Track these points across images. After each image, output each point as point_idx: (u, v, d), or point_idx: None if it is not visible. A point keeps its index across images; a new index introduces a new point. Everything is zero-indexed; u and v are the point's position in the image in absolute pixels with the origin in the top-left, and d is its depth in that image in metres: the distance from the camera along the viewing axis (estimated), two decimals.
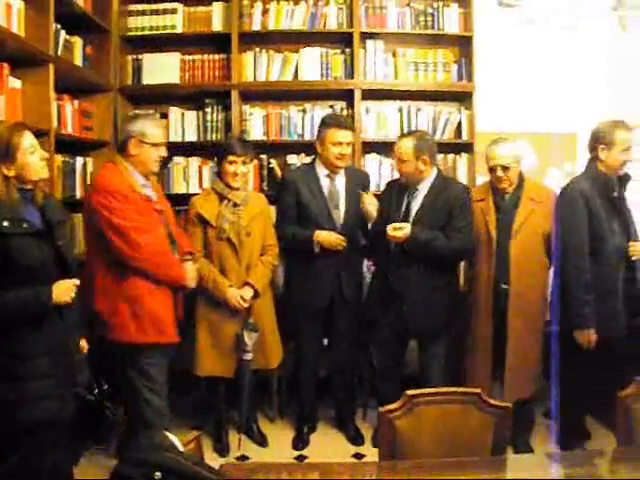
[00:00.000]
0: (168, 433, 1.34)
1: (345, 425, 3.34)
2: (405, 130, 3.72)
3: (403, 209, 2.97)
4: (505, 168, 2.90)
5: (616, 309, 2.82)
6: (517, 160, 2.95)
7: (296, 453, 3.17)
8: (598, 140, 2.82)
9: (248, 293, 2.96)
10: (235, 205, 2.97)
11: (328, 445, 3.25)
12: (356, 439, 3.25)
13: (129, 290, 2.48)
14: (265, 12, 3.76)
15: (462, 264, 3.36)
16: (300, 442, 3.24)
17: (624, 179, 2.88)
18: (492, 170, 2.95)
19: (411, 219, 2.93)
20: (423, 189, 2.96)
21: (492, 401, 1.84)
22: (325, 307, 3.13)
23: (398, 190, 3.04)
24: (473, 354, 3.10)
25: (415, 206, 2.96)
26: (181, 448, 1.31)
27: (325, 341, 3.37)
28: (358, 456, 3.13)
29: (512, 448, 3.04)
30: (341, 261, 3.07)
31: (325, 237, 3.01)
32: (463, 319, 3.12)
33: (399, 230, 2.82)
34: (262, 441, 3.25)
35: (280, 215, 3.21)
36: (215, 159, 3.30)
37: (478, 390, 1.85)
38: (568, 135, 3.95)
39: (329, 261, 3.05)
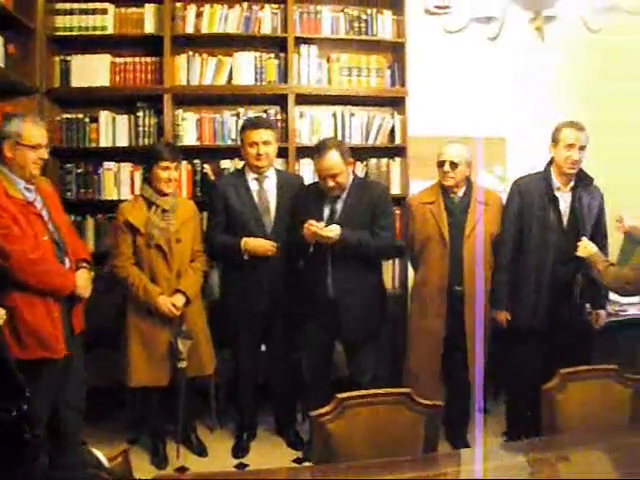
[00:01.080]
0: (94, 449, 1.30)
1: (285, 430, 3.32)
2: (339, 135, 3.77)
3: (327, 214, 2.94)
4: (453, 164, 3.01)
5: (534, 299, 2.96)
6: (466, 162, 3.06)
7: (236, 461, 3.13)
8: (551, 138, 2.99)
9: (179, 300, 2.91)
10: (164, 211, 2.93)
11: (269, 451, 3.23)
12: (296, 444, 3.25)
13: (5, 303, 2.29)
14: (199, 15, 3.71)
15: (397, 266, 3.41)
16: (240, 450, 3.20)
17: (583, 181, 2.99)
18: (441, 165, 3.04)
19: (336, 222, 2.89)
20: (343, 193, 2.95)
21: (422, 400, 1.87)
22: (261, 313, 3.09)
23: (315, 194, 3.00)
24: (419, 356, 3.12)
25: (338, 209, 2.94)
26: (107, 464, 1.27)
27: (263, 347, 3.33)
28: (299, 461, 3.12)
29: (450, 444, 3.16)
30: (276, 266, 3.04)
31: (254, 244, 2.98)
32: (396, 321, 3.17)
33: (330, 231, 2.78)
34: (201, 451, 3.20)
35: (210, 222, 3.16)
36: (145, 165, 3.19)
37: (408, 390, 1.89)
38: (497, 139, 4.07)
39: (264, 266, 3.02)
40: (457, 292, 3.03)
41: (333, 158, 2.84)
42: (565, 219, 2.97)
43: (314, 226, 2.76)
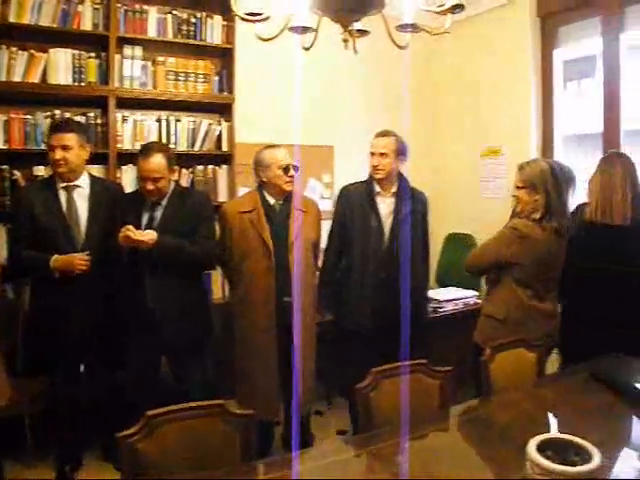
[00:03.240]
0: None
1: (111, 455, 3.07)
2: (164, 141, 3.64)
3: (145, 221, 2.85)
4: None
5: (359, 301, 3.08)
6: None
7: None
8: None
9: None
10: None
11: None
12: None
13: None
14: (5, 1, 3.28)
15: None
16: None
17: (405, 187, 3.14)
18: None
19: (154, 230, 2.80)
20: (163, 200, 2.88)
21: (237, 411, 1.85)
22: (78, 332, 2.83)
23: (134, 201, 2.91)
24: (249, 370, 3.00)
25: (158, 216, 2.86)
26: None
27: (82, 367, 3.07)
28: None
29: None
30: (90, 280, 2.81)
31: (62, 261, 2.75)
32: (225, 334, 3.09)
33: (144, 235, 2.68)
34: None
35: (13, 235, 2.89)
36: None
37: (221, 402, 1.85)
38: (326, 147, 4.19)
39: (77, 281, 2.77)
40: (285, 304, 2.92)
41: (157, 161, 2.77)
42: (387, 224, 3.10)
43: (129, 231, 2.63)
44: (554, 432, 1.86)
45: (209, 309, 3.13)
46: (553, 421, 2.10)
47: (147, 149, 2.84)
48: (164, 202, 2.87)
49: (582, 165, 4.44)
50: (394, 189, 3.15)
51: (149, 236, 2.68)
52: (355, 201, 3.14)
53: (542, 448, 1.46)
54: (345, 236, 3.17)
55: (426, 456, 1.85)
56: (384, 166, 3.08)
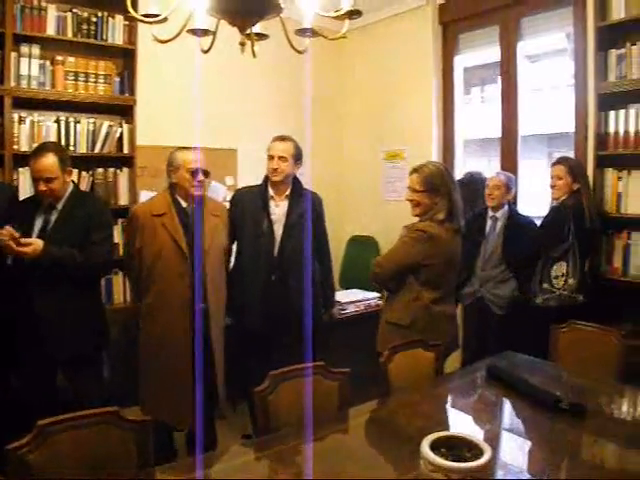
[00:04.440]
0: None
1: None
2: (63, 142, 3.58)
3: (39, 225, 2.77)
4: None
5: (247, 304, 3.15)
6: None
7: None
8: None
9: None
10: None
11: None
12: None
13: None
14: None
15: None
16: None
17: (297, 189, 3.25)
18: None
19: (47, 236, 2.71)
20: (59, 203, 2.81)
21: (130, 417, 1.83)
22: None
23: (29, 205, 2.83)
24: (159, 377, 2.94)
25: (52, 220, 2.79)
26: None
27: None
28: None
29: None
30: None
31: None
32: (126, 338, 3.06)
33: (28, 245, 2.58)
34: None
35: None
36: None
37: (114, 408, 1.81)
38: (229, 150, 4.26)
39: None
40: (202, 309, 2.89)
41: (49, 161, 2.70)
42: (279, 227, 3.18)
43: (10, 240, 2.53)
44: (449, 430, 1.92)
45: (104, 317, 3.02)
46: (450, 419, 2.21)
47: (39, 149, 2.79)
48: (59, 205, 2.81)
49: (482, 168, 4.76)
50: (287, 192, 3.23)
51: (33, 247, 2.59)
52: (248, 205, 3.20)
53: (435, 446, 1.51)
54: (237, 239, 3.23)
55: (326, 457, 1.86)
56: (282, 169, 3.14)
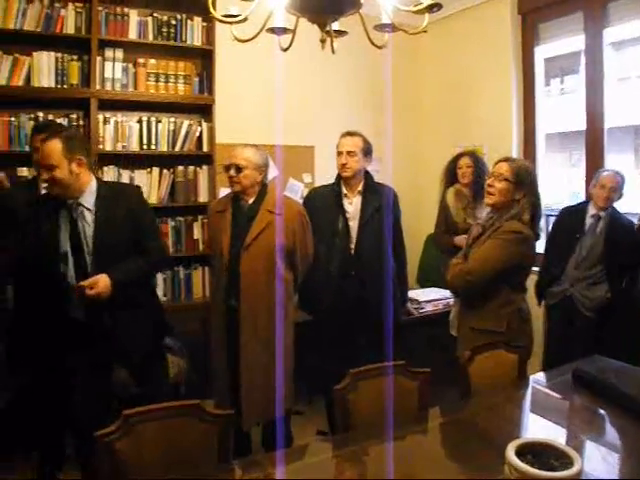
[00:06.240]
0: None
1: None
2: (145, 142, 3.71)
3: (68, 234, 2.50)
4: (239, 168, 2.82)
5: (327, 300, 3.11)
6: (256, 166, 2.84)
7: None
8: None
9: None
10: None
11: None
12: None
13: None
14: None
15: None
16: None
17: (370, 185, 3.20)
18: (227, 169, 2.88)
19: (86, 248, 2.49)
20: (87, 202, 2.51)
21: (214, 411, 1.84)
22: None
23: (44, 206, 2.56)
24: (212, 375, 2.98)
25: (87, 227, 2.50)
26: None
27: None
28: None
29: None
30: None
31: None
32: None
33: (96, 285, 2.38)
34: None
35: None
36: None
37: (197, 401, 1.83)
38: (306, 147, 4.27)
39: None
40: (233, 307, 2.82)
41: (51, 146, 2.40)
42: (355, 223, 3.13)
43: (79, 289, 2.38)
44: (534, 436, 1.79)
45: (160, 309, 2.89)
46: (533, 424, 2.10)
47: (47, 132, 2.56)
48: (90, 205, 2.50)
49: (565, 162, 4.52)
50: (360, 187, 3.19)
51: (101, 287, 2.38)
52: (321, 204, 3.18)
53: (521, 452, 1.44)
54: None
55: (405, 457, 1.82)
56: (351, 164, 3.11)
